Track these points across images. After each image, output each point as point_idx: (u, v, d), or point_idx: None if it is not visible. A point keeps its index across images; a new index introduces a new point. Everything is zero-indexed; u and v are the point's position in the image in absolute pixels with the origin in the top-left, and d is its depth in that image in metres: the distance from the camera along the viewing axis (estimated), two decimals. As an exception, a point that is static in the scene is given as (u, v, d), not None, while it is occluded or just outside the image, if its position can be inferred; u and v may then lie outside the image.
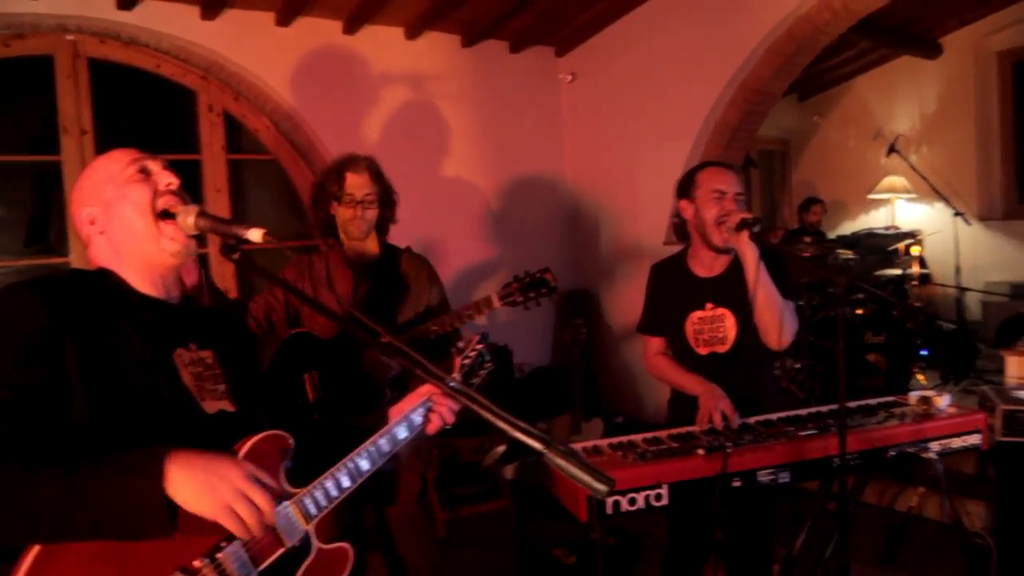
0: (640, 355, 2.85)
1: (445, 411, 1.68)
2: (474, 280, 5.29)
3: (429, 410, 1.67)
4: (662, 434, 2.37)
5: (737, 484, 2.11)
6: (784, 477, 2.14)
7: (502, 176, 5.50)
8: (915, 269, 5.64)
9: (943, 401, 2.38)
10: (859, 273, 5.58)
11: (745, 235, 2.35)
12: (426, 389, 1.68)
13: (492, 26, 5.15)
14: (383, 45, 4.94)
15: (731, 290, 2.54)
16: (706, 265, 2.60)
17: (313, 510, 1.37)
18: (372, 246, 2.73)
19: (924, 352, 5.35)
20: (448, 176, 5.23)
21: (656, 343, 2.71)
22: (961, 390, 5.11)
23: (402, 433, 1.60)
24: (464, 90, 5.31)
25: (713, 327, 2.57)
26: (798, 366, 5.06)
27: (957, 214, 5.69)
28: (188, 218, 1.42)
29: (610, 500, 2.03)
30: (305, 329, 2.65)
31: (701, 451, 2.12)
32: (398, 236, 2.88)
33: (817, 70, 7.13)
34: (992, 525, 3.63)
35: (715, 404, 2.32)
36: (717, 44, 4.84)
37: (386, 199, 2.73)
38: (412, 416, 1.63)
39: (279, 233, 1.42)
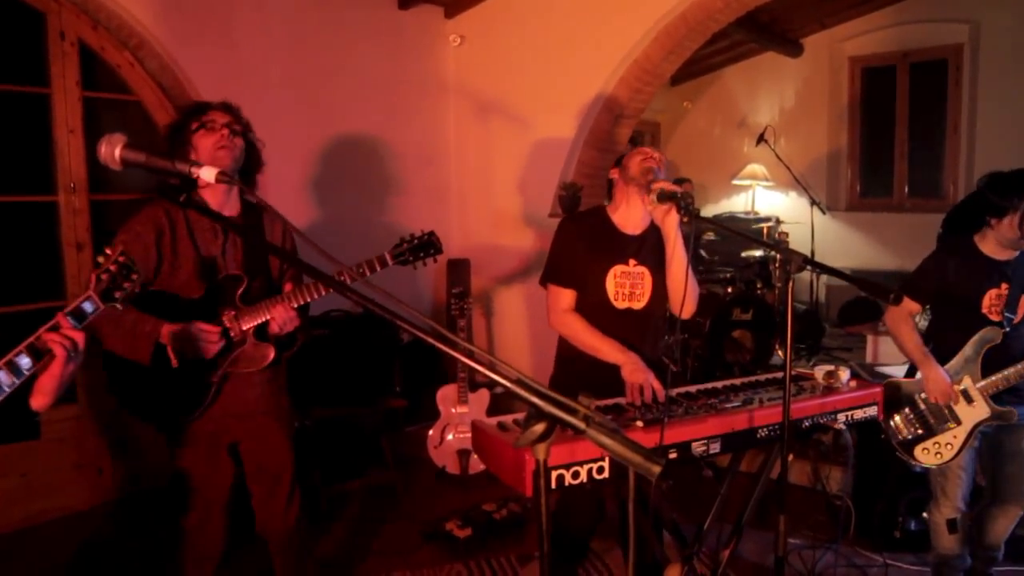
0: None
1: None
2: (347, 241, 5.07)
3: None
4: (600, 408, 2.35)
5: (673, 456, 2.13)
6: (715, 448, 2.19)
7: (384, 134, 5.26)
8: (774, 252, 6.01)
9: (845, 375, 2.53)
10: (728, 253, 5.91)
11: (671, 208, 2.42)
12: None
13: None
14: (267, -15, 4.56)
15: (651, 250, 2.69)
16: (631, 223, 2.68)
17: None
18: (234, 204, 2.49)
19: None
20: (328, 133, 4.93)
21: (567, 296, 2.67)
22: (813, 365, 5.55)
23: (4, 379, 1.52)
24: (348, 44, 5.02)
25: (633, 282, 2.66)
26: (670, 340, 5.26)
27: (814, 203, 6.13)
28: (114, 149, 1.21)
29: (555, 474, 1.98)
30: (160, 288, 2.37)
31: (640, 423, 2.13)
32: (274, 194, 2.65)
33: (691, 57, 7.40)
34: (850, 487, 3.97)
35: (644, 378, 2.34)
36: (612, 21, 4.87)
37: (250, 141, 2.50)
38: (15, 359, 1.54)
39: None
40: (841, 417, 2.43)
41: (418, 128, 5.53)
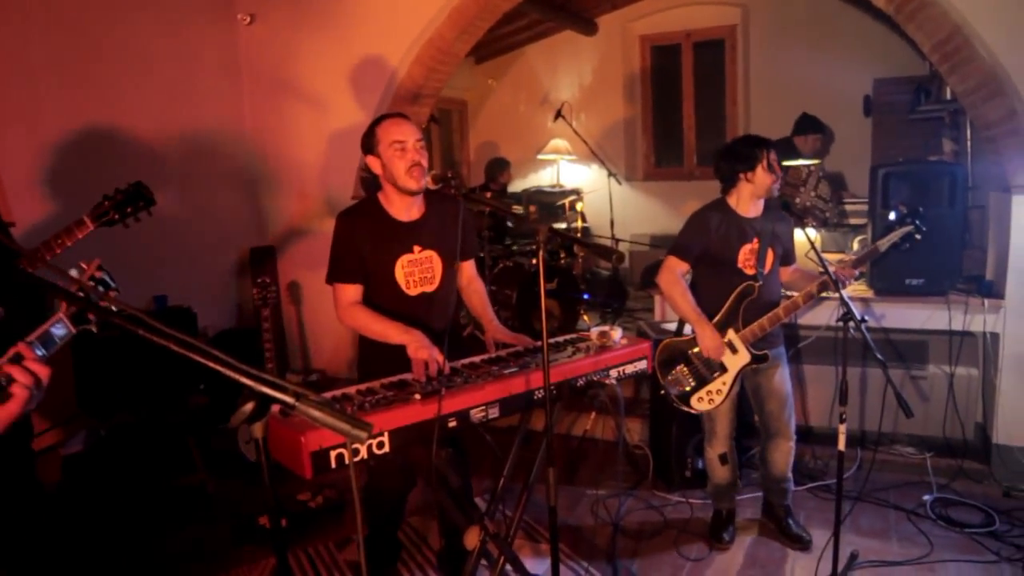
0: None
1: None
2: (136, 237, 4.77)
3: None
4: (375, 384, 2.38)
5: (453, 424, 2.21)
6: (494, 412, 2.29)
7: (169, 118, 4.94)
8: (579, 223, 6.31)
9: (617, 334, 2.72)
10: (533, 227, 6.10)
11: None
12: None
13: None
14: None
15: (431, 232, 2.73)
16: (404, 210, 2.69)
17: None
18: None
19: (586, 296, 6.05)
20: (102, 118, 4.55)
21: (352, 291, 2.66)
22: (619, 326, 5.90)
23: None
24: (126, 22, 4.66)
25: (423, 268, 2.70)
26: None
27: (610, 175, 6.48)
28: None
29: (333, 453, 2.00)
30: None
31: (417, 396, 2.18)
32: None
33: (492, 36, 7.54)
34: (648, 437, 4.29)
35: (428, 354, 2.40)
36: (403, 0, 4.86)
37: None
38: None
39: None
40: (613, 373, 2.61)
41: (209, 111, 5.26)
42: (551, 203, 6.72)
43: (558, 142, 7.31)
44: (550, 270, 5.51)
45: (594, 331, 2.75)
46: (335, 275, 2.67)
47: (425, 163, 2.60)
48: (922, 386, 4.05)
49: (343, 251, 2.66)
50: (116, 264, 2.84)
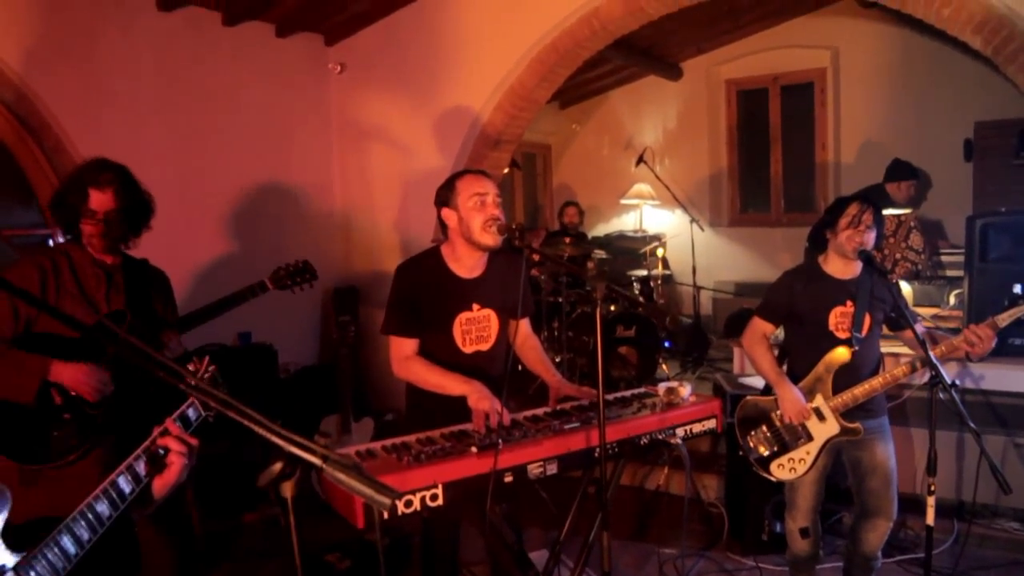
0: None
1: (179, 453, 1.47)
2: (234, 275, 4.97)
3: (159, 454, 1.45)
4: (435, 434, 2.38)
5: (509, 479, 2.17)
6: (552, 469, 2.25)
7: (266, 165, 5.20)
8: (659, 269, 6.21)
9: (686, 392, 2.63)
10: (613, 273, 6.06)
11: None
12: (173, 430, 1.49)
13: (256, 5, 4.87)
14: (131, 15, 4.44)
15: (492, 291, 2.70)
16: (468, 267, 2.67)
17: None
18: (113, 256, 2.52)
19: (667, 344, 5.93)
20: (204, 165, 4.82)
21: (409, 345, 2.63)
22: (698, 377, 5.74)
23: (125, 486, 1.35)
24: (225, 73, 4.95)
25: (480, 327, 2.68)
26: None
27: (692, 220, 6.37)
28: None
29: (386, 504, 2.00)
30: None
31: (474, 449, 2.16)
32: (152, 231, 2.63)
33: (577, 81, 7.61)
34: (723, 495, 4.12)
35: (489, 405, 2.38)
36: (486, 49, 4.98)
37: (135, 212, 2.50)
38: (134, 465, 1.40)
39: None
40: (680, 432, 2.52)
41: (300, 157, 5.49)
42: (632, 248, 6.66)
43: (641, 187, 7.26)
44: (630, 317, 5.43)
45: (662, 387, 2.67)
46: (391, 327, 2.64)
47: (503, 219, 2.57)
48: (1027, 454, 3.74)
49: (401, 303, 2.64)
50: (206, 298, 3.04)
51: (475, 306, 2.67)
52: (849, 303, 2.99)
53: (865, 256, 2.94)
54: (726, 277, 7.00)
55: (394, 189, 5.51)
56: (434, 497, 2.07)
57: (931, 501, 2.63)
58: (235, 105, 5.00)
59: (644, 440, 2.45)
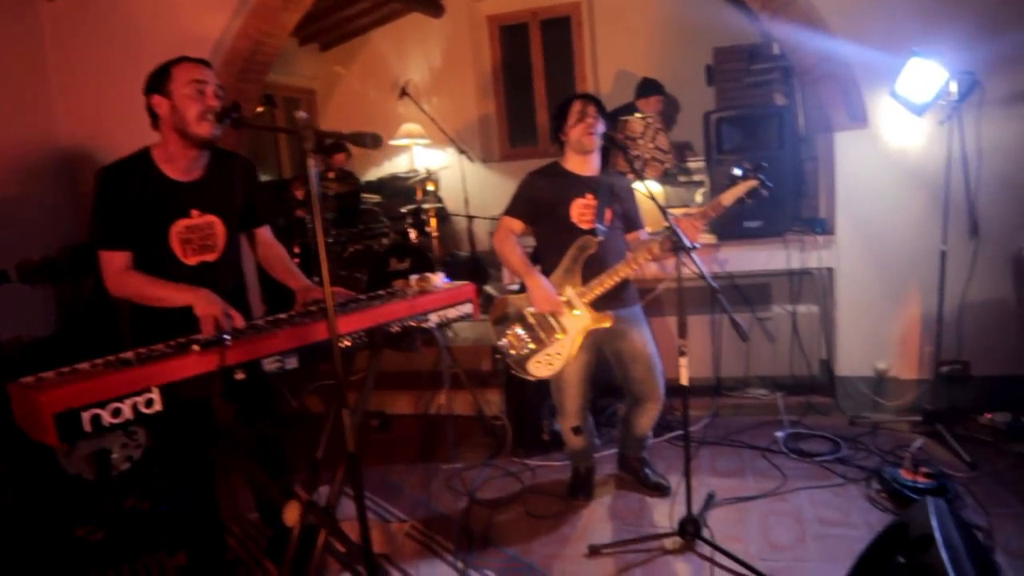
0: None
1: None
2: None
3: None
4: (159, 345, 2.09)
5: (241, 376, 1.96)
6: (292, 362, 2.06)
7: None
8: (431, 203, 6.10)
9: (439, 280, 2.54)
10: (384, 210, 5.88)
11: None
12: None
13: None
14: None
15: (215, 194, 2.44)
16: (183, 168, 2.37)
17: None
18: None
19: (446, 279, 5.86)
20: None
21: (121, 258, 2.31)
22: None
23: None
24: None
25: (203, 235, 2.40)
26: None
27: (462, 152, 6.32)
28: None
29: (87, 415, 1.71)
30: None
31: (196, 347, 1.92)
32: None
33: (335, 20, 7.26)
34: (506, 408, 4.13)
35: (219, 309, 2.13)
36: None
37: None
38: None
39: None
40: (434, 317, 2.42)
41: (7, 103, 4.72)
42: (406, 188, 6.50)
43: (410, 126, 7.08)
44: (403, 249, 5.28)
45: (413, 278, 2.56)
46: (98, 240, 2.29)
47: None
48: (768, 327, 4.09)
49: (107, 213, 2.29)
50: None
51: (194, 212, 2.37)
52: (590, 196, 3.06)
53: (607, 137, 3.02)
54: (501, 210, 7.04)
55: (131, 134, 4.89)
56: (149, 403, 1.81)
57: (683, 362, 2.74)
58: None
59: (396, 327, 2.32)
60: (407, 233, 5.63)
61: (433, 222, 5.61)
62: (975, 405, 3.74)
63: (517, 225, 3.14)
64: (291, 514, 2.34)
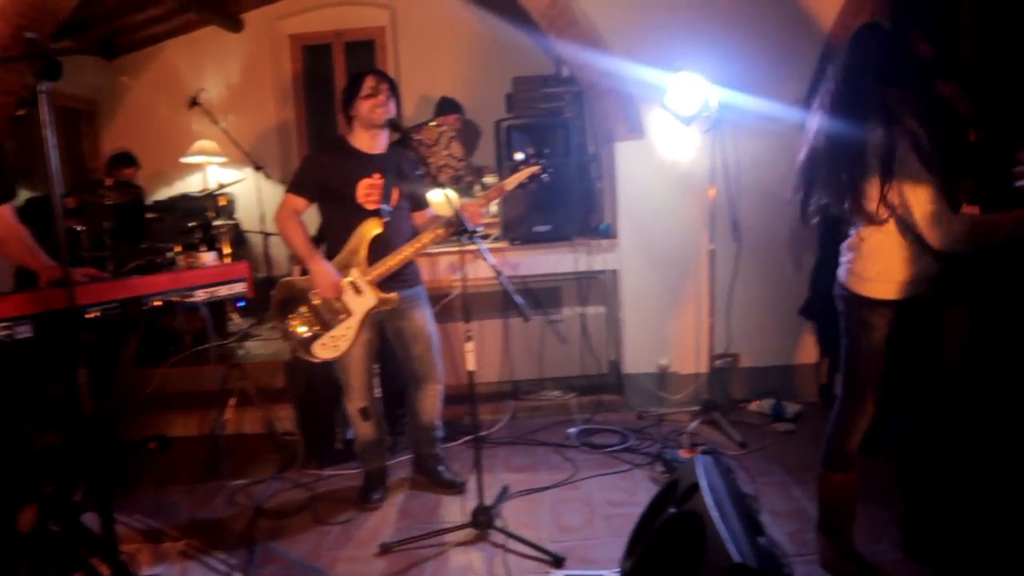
0: None
1: None
2: None
3: None
4: None
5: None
6: (24, 331, 1.81)
7: None
8: (223, 219, 5.77)
9: (209, 257, 2.38)
10: (170, 227, 5.48)
11: None
12: None
13: None
14: None
15: None
16: None
17: None
18: None
19: (241, 304, 5.54)
20: None
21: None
22: (271, 327, 5.46)
23: None
24: None
25: None
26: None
27: (258, 169, 6.07)
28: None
29: None
30: None
31: None
32: None
33: (123, 25, 6.77)
34: (298, 421, 3.93)
35: None
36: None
37: None
38: None
39: None
40: (201, 293, 2.26)
41: None
42: (197, 207, 6.12)
43: (205, 143, 6.70)
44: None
45: (181, 255, 2.37)
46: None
47: None
48: (560, 329, 4.23)
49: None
50: None
51: None
52: (376, 175, 3.03)
53: (392, 123, 3.02)
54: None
55: None
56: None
57: (469, 347, 2.75)
58: None
59: (156, 301, 2.13)
60: (196, 246, 5.26)
61: (227, 244, 5.30)
62: (744, 393, 4.07)
63: (300, 203, 3.05)
64: (25, 519, 2.05)
